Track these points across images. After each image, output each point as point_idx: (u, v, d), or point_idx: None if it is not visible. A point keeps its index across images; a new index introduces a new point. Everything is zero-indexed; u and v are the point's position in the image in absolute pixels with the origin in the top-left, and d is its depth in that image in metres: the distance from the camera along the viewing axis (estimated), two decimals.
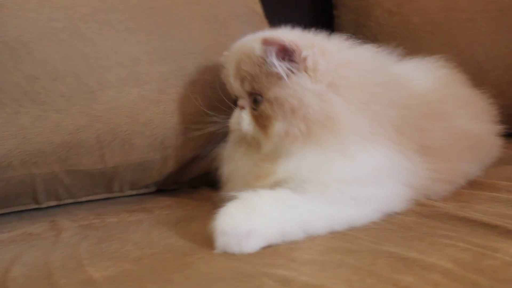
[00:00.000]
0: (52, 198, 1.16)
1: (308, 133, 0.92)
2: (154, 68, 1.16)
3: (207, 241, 0.86)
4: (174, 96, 1.17)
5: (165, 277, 0.76)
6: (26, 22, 1.07)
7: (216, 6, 1.28)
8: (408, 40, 1.50)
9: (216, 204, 0.99)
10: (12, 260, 0.88)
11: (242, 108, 1.01)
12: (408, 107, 1.01)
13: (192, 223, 1.00)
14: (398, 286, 0.68)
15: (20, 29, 1.07)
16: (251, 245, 0.83)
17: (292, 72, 0.94)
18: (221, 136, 1.06)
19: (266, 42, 0.94)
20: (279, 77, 0.94)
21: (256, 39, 0.97)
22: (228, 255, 0.82)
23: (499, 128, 1.27)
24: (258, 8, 1.43)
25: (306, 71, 0.94)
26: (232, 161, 1.03)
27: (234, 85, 1.02)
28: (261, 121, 0.97)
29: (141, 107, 1.14)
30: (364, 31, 1.56)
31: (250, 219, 0.85)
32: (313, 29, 1.04)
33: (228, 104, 1.07)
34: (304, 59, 0.94)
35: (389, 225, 0.91)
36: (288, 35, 0.96)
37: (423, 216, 0.94)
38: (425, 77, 1.18)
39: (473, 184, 1.10)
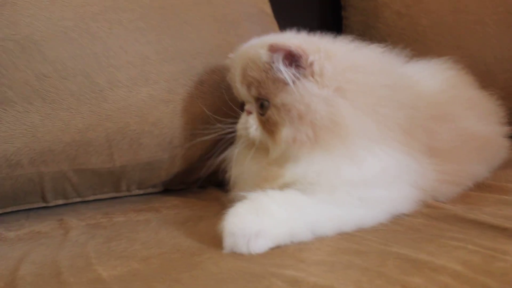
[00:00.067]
0: (60, 196, 1.17)
1: (315, 139, 0.91)
2: (163, 68, 1.16)
3: (215, 241, 0.86)
4: (184, 96, 1.17)
5: (173, 276, 0.76)
6: (37, 20, 1.08)
7: (226, 7, 1.28)
8: (416, 42, 1.50)
9: (224, 205, 0.99)
10: (20, 259, 0.88)
11: (249, 113, 1.01)
12: (416, 109, 1.01)
13: (200, 223, 1.00)
14: None
15: (31, 27, 1.07)
16: (260, 245, 0.83)
17: (299, 77, 0.93)
18: (229, 137, 1.06)
19: (272, 49, 0.94)
20: (285, 83, 0.94)
21: (262, 44, 0.97)
22: (236, 255, 0.82)
23: (507, 129, 1.26)
24: (268, 8, 1.43)
25: (312, 76, 0.94)
26: (240, 164, 1.03)
27: (241, 90, 1.01)
28: (268, 126, 0.96)
29: (151, 107, 1.14)
30: (373, 33, 1.56)
31: (258, 219, 0.85)
32: (320, 31, 1.04)
33: (236, 106, 1.07)
34: (311, 64, 0.94)
35: (398, 226, 0.91)
36: (294, 40, 0.95)
37: (432, 218, 0.94)
38: (432, 79, 1.17)
39: (481, 186, 1.10)
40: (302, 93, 0.93)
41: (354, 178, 0.91)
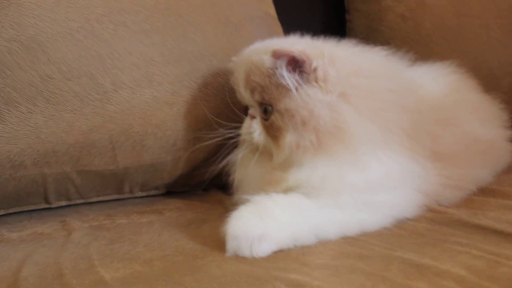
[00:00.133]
0: (63, 198, 1.17)
1: (319, 144, 0.91)
2: (168, 70, 1.16)
3: (219, 244, 0.86)
4: (188, 98, 1.17)
5: (176, 279, 0.76)
6: (42, 21, 1.07)
7: (231, 9, 1.28)
8: (420, 45, 1.50)
9: (227, 208, 0.99)
10: (23, 260, 0.88)
11: (253, 117, 1.00)
12: (420, 113, 1.01)
13: (203, 225, 1.00)
14: None
15: (36, 28, 1.07)
16: (263, 249, 0.83)
17: (302, 83, 0.93)
18: (233, 140, 1.06)
19: (276, 55, 0.93)
20: (289, 88, 0.94)
21: (265, 50, 0.96)
22: (240, 259, 0.82)
23: (510, 133, 1.26)
24: (272, 11, 1.42)
25: (316, 82, 0.93)
26: (243, 167, 1.02)
27: (244, 95, 1.01)
28: (272, 132, 0.96)
29: (154, 109, 1.14)
30: (377, 36, 1.56)
31: (262, 223, 0.85)
32: (323, 34, 1.04)
33: (239, 109, 1.07)
34: (315, 70, 0.93)
35: (401, 231, 0.91)
36: (298, 45, 0.95)
37: (435, 223, 0.94)
38: (436, 82, 1.17)
39: (485, 191, 1.10)
40: (305, 99, 0.92)
41: (358, 183, 0.91)
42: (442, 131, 1.04)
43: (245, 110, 1.05)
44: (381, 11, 1.58)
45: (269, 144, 0.98)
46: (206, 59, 1.20)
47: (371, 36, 1.56)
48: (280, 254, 0.83)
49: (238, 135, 1.04)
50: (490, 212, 0.97)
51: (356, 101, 0.93)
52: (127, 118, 1.12)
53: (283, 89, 0.94)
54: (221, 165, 1.06)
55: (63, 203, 1.17)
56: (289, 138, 0.93)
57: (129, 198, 1.23)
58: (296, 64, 0.93)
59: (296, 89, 0.93)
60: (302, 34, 1.05)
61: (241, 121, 1.05)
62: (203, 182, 1.20)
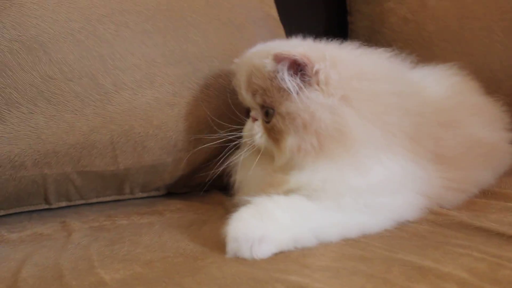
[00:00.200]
0: (63, 198, 1.17)
1: (320, 148, 0.91)
2: (169, 71, 1.15)
3: (219, 245, 0.85)
4: (189, 99, 1.17)
5: (176, 281, 0.76)
6: (44, 22, 1.07)
7: (233, 10, 1.28)
8: (422, 48, 1.50)
9: (228, 209, 0.99)
10: (22, 260, 0.88)
11: (255, 119, 1.00)
12: (422, 115, 1.01)
13: (204, 226, 0.99)
14: None
15: (38, 28, 1.07)
16: (263, 251, 0.83)
17: (303, 86, 0.92)
18: (234, 141, 1.06)
19: (277, 58, 0.93)
20: (290, 91, 0.93)
21: (267, 53, 0.96)
22: (240, 260, 0.82)
23: None
24: (274, 12, 1.42)
25: (318, 85, 0.93)
26: (245, 169, 1.02)
27: (246, 97, 1.01)
28: (273, 134, 0.96)
29: (156, 109, 1.14)
30: (379, 38, 1.56)
31: (262, 224, 0.84)
32: (325, 36, 1.04)
33: (241, 111, 1.06)
34: (316, 73, 0.93)
35: (403, 233, 0.91)
36: (299, 48, 0.94)
37: (437, 225, 0.94)
38: (438, 85, 1.17)
39: (486, 193, 1.10)
40: (306, 102, 0.92)
41: (360, 186, 0.90)
42: (444, 134, 1.04)
43: (246, 112, 1.04)
44: (383, 13, 1.58)
45: (271, 146, 0.97)
46: (208, 60, 1.20)
47: (373, 38, 1.56)
48: (281, 256, 0.83)
49: (240, 137, 1.03)
50: (492, 214, 0.97)
51: (358, 104, 0.93)
52: (128, 119, 1.11)
53: (285, 92, 0.94)
54: (222, 168, 1.06)
55: (63, 203, 1.17)
56: (290, 141, 0.93)
57: (129, 199, 1.22)
58: (297, 67, 0.93)
59: (297, 92, 0.92)
60: (304, 36, 1.05)
61: (242, 123, 1.05)
62: (204, 183, 1.19)
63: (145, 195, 1.24)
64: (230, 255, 0.83)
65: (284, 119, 0.93)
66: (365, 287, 0.70)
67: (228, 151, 1.04)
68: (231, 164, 1.05)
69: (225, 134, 1.05)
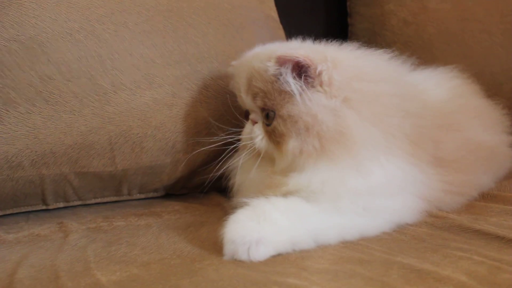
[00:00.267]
0: (61, 199, 1.16)
1: (321, 150, 0.91)
2: (168, 71, 1.15)
3: (217, 247, 0.85)
4: (188, 100, 1.16)
5: (173, 283, 0.75)
6: (42, 21, 1.07)
7: (232, 11, 1.27)
8: (423, 50, 1.50)
9: (226, 211, 0.99)
10: (18, 262, 0.87)
11: (255, 122, 1.00)
12: (422, 118, 1.00)
13: (202, 228, 0.99)
14: None
15: (36, 28, 1.06)
16: (260, 253, 0.82)
17: (306, 89, 0.92)
18: (233, 143, 1.05)
19: (280, 61, 0.92)
20: (292, 94, 0.92)
21: (267, 56, 0.95)
22: (238, 262, 0.81)
23: None
24: (274, 13, 1.42)
25: (321, 86, 0.92)
26: (244, 171, 1.01)
27: (246, 100, 1.00)
28: (274, 137, 0.95)
29: (154, 110, 1.13)
30: (379, 40, 1.56)
31: (259, 227, 0.84)
32: (325, 37, 1.04)
33: (240, 113, 1.06)
34: (319, 74, 0.92)
35: (402, 236, 0.90)
36: (301, 50, 0.93)
37: (436, 228, 0.94)
38: (439, 87, 1.17)
39: (486, 197, 1.09)
40: (309, 104, 0.92)
41: (359, 188, 0.90)
42: (444, 137, 1.03)
43: (245, 114, 1.04)
44: (383, 15, 1.58)
45: (271, 149, 0.97)
46: (207, 61, 1.19)
47: (373, 40, 1.56)
48: (279, 258, 0.82)
49: (239, 140, 1.03)
50: (492, 217, 0.97)
51: (358, 106, 0.93)
52: (126, 120, 1.11)
53: (286, 94, 0.93)
54: (221, 171, 1.05)
55: (61, 204, 1.17)
56: (292, 144, 0.92)
57: (127, 200, 1.22)
58: (300, 69, 0.92)
59: (300, 94, 0.92)
60: (304, 38, 1.05)
61: (241, 125, 1.04)
62: (203, 185, 1.19)
63: (143, 196, 1.23)
64: (228, 257, 0.83)
65: (286, 122, 0.93)
66: None
67: (227, 154, 1.04)
68: (230, 166, 1.04)
69: (224, 137, 1.05)
